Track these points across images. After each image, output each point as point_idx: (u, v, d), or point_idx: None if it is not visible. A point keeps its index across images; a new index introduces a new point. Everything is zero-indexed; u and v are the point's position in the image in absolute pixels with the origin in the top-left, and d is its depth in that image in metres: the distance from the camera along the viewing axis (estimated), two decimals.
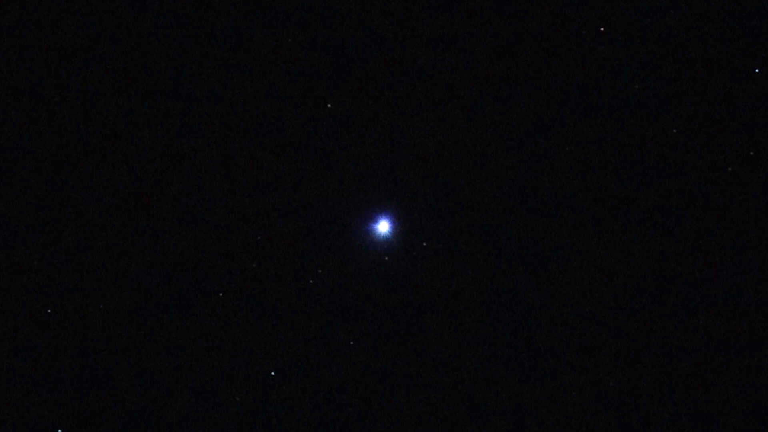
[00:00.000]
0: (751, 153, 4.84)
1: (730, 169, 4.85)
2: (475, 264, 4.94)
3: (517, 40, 4.93)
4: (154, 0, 4.91)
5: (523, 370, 4.88)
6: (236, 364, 4.92)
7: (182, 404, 4.87)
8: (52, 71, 4.92)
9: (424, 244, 4.94)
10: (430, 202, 4.96)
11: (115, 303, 4.89)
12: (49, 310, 4.88)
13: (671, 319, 4.85)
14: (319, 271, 4.95)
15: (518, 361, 4.89)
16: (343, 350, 4.93)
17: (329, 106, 4.96)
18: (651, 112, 4.90)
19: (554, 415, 4.84)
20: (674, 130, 4.89)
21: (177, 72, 4.94)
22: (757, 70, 4.82)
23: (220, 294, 4.93)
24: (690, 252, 4.87)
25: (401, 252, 4.94)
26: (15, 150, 4.89)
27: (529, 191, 4.95)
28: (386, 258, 4.94)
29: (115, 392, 4.86)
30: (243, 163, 4.97)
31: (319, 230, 4.96)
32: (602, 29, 4.89)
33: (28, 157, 4.90)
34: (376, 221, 4.96)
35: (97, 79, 4.93)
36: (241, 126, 4.97)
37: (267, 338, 4.92)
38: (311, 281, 4.94)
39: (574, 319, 4.88)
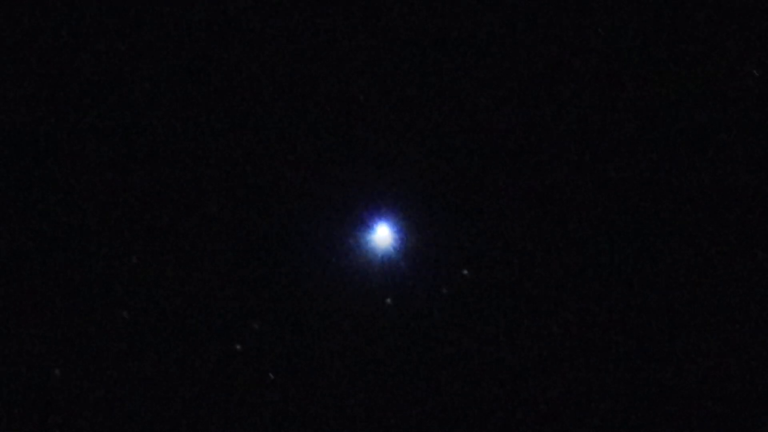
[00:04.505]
0: (751, 153, 4.86)
1: (730, 168, 4.88)
2: (475, 264, 4.94)
3: (517, 41, 4.96)
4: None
5: (524, 371, 4.87)
6: (235, 366, 4.90)
7: (181, 405, 4.85)
8: (51, 70, 4.95)
9: (424, 244, 4.95)
10: (430, 203, 4.96)
11: (113, 303, 4.89)
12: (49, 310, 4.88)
13: (671, 320, 4.86)
14: (319, 271, 4.95)
15: (519, 362, 4.88)
16: (343, 350, 4.92)
17: (329, 106, 4.99)
18: (650, 112, 4.93)
19: (554, 414, 4.82)
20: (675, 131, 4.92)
21: (175, 71, 4.97)
22: (755, 72, 4.86)
23: (220, 294, 4.93)
24: (690, 252, 4.88)
25: (401, 252, 4.94)
26: (14, 149, 4.92)
27: (529, 192, 4.96)
28: (386, 259, 4.94)
29: (115, 392, 4.84)
30: (242, 165, 4.98)
31: (318, 231, 4.96)
32: (601, 30, 4.94)
33: (27, 156, 4.92)
34: (375, 225, 4.96)
35: (96, 78, 4.96)
36: (239, 127, 4.99)
37: (266, 340, 4.91)
38: (311, 281, 4.94)
39: (576, 319, 4.88)
